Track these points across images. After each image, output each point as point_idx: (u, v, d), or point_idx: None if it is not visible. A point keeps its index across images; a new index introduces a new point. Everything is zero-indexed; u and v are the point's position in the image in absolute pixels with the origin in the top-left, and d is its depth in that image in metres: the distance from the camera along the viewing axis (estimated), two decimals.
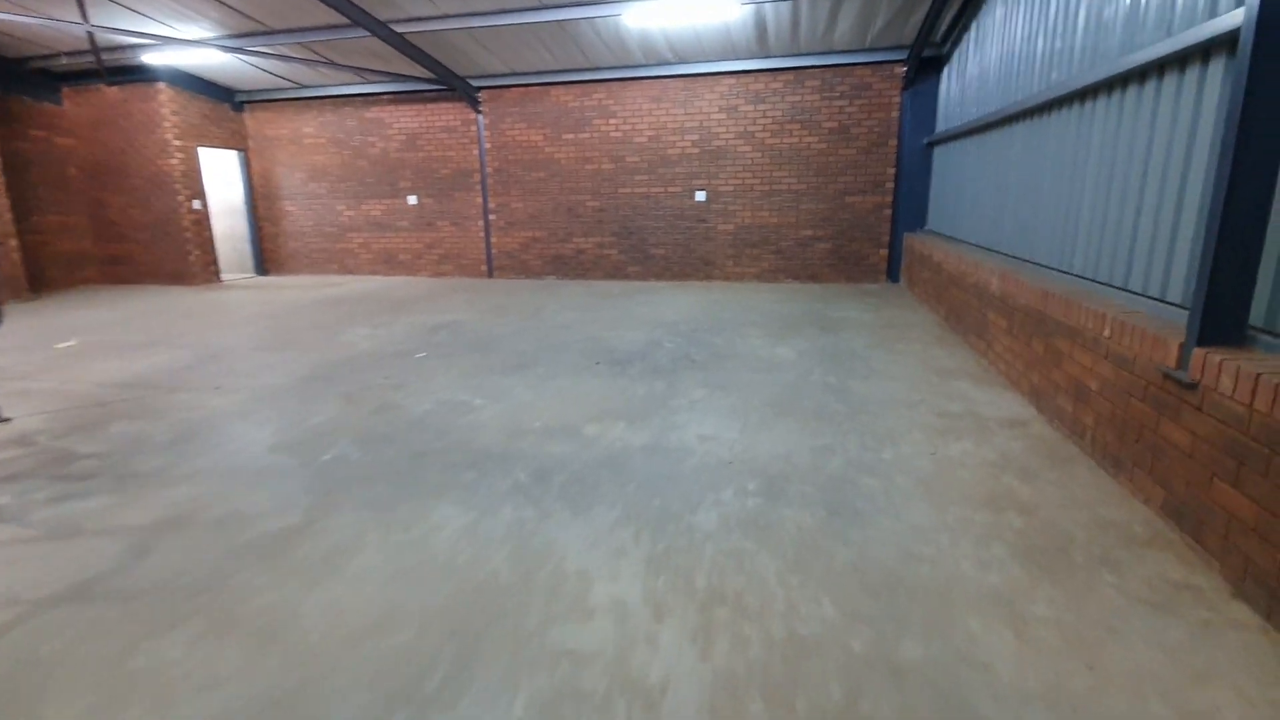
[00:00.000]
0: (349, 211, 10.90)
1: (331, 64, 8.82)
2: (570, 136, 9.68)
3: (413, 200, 10.56)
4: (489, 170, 10.14)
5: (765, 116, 8.99)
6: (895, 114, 8.64)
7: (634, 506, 2.80)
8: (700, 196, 9.42)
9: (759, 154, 9.12)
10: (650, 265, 9.88)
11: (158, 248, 10.19)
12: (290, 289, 9.70)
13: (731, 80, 8.97)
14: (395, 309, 7.72)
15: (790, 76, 8.80)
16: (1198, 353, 2.36)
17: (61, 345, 5.97)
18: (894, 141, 8.71)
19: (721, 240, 9.52)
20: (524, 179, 10.03)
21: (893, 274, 9.06)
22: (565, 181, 9.88)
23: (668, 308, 7.53)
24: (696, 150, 9.29)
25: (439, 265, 10.79)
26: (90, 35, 7.65)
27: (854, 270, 9.20)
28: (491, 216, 10.33)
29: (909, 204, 8.78)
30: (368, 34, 7.62)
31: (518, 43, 8.35)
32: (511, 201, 10.17)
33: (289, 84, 10.27)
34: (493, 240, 10.43)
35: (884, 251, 9.06)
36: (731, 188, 9.31)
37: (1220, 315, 2.34)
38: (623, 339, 5.95)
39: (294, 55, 8.69)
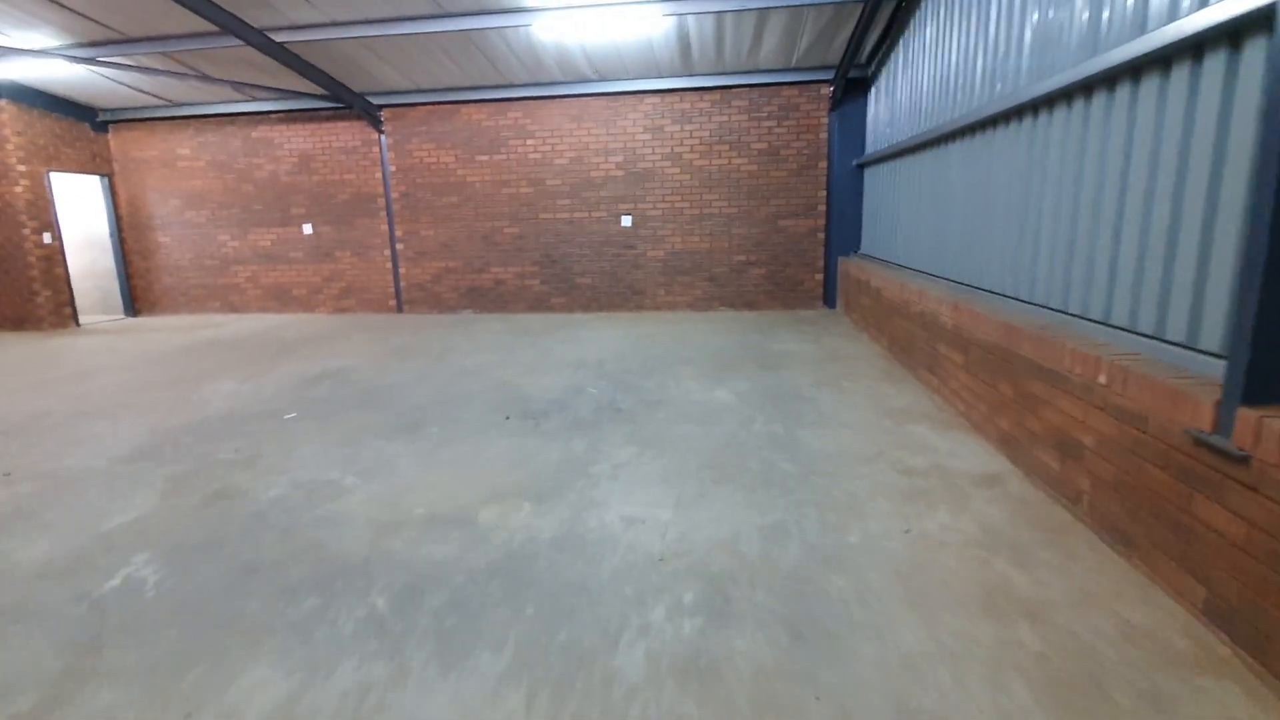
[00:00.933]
0: (233, 242, 9.72)
1: (205, 78, 7.78)
2: (485, 158, 8.94)
3: (308, 229, 9.50)
4: (394, 195, 9.24)
5: (692, 137, 8.53)
6: (824, 135, 8.35)
7: (531, 646, 2.04)
8: (627, 221, 8.84)
9: (687, 176, 8.64)
10: (576, 296, 9.18)
11: None
12: (159, 332, 8.44)
13: (656, 99, 8.48)
14: (277, 355, 6.70)
15: (717, 96, 8.38)
16: (1245, 415, 1.85)
17: None
18: (824, 163, 8.41)
19: (651, 267, 8.95)
20: (435, 204, 9.18)
21: (829, 300, 8.70)
22: (480, 207, 9.10)
23: (593, 344, 6.84)
24: (621, 172, 8.73)
25: (340, 300, 9.73)
26: None
27: (790, 297, 8.79)
28: (399, 245, 9.40)
29: (842, 227, 8.46)
30: (241, 43, 6.69)
31: (420, 55, 7.58)
32: (421, 229, 9.29)
33: (159, 101, 9.09)
34: (401, 271, 9.49)
35: (819, 276, 8.70)
36: (660, 211, 8.78)
37: (1271, 367, 1.84)
38: (540, 385, 5.20)
39: (158, 67, 7.62)
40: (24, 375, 5.98)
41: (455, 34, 6.88)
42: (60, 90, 8.67)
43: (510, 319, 8.79)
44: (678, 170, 8.64)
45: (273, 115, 9.19)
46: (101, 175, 9.61)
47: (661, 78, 8.28)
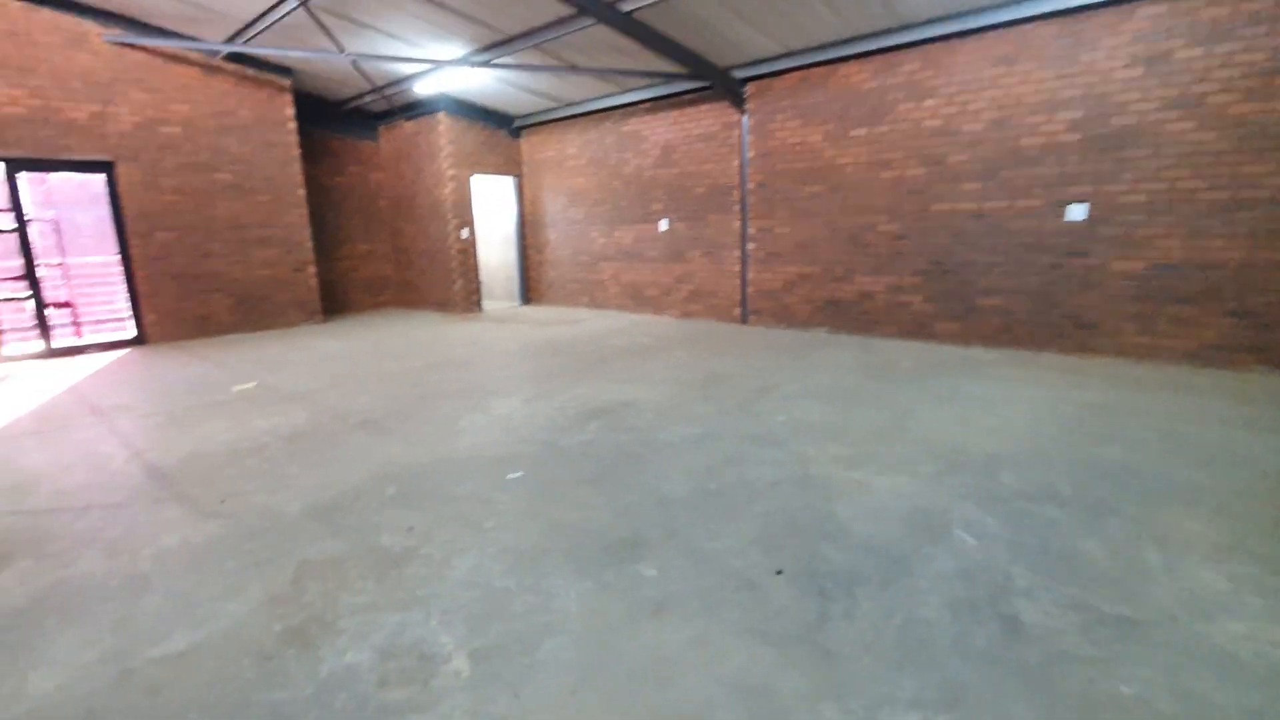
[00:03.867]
0: (602, 239, 9.72)
1: (574, 68, 7.57)
2: (861, 133, 6.80)
3: (664, 225, 8.84)
4: (750, 186, 7.84)
5: (1228, 65, 4.86)
6: None
7: None
8: (1077, 213, 5.65)
9: (1211, 134, 5.00)
10: (976, 322, 6.38)
11: (431, 274, 10.38)
12: (525, 324, 8.82)
13: (1158, 9, 5.07)
14: (586, 369, 5.95)
15: None
16: None
17: (239, 387, 5.57)
18: None
19: (1115, 286, 5.58)
20: (793, 195, 7.47)
21: None
22: (849, 197, 7.02)
23: (988, 414, 4.23)
24: (1076, 136, 5.57)
25: (687, 304, 8.87)
26: (354, 64, 7.64)
27: None
28: (750, 245, 8.00)
29: None
30: (594, 21, 6.08)
31: (788, 4, 5.88)
32: (776, 225, 7.70)
33: (552, 102, 9.48)
34: (750, 276, 8.09)
35: None
36: (1144, 197, 5.34)
37: None
38: (868, 496, 3.06)
39: (536, 63, 7.67)
40: (388, 361, 6.48)
41: None
42: (480, 101, 9.70)
43: (871, 346, 6.55)
44: (1192, 125, 5.07)
45: (640, 106, 8.72)
46: (514, 176, 10.66)
47: None
